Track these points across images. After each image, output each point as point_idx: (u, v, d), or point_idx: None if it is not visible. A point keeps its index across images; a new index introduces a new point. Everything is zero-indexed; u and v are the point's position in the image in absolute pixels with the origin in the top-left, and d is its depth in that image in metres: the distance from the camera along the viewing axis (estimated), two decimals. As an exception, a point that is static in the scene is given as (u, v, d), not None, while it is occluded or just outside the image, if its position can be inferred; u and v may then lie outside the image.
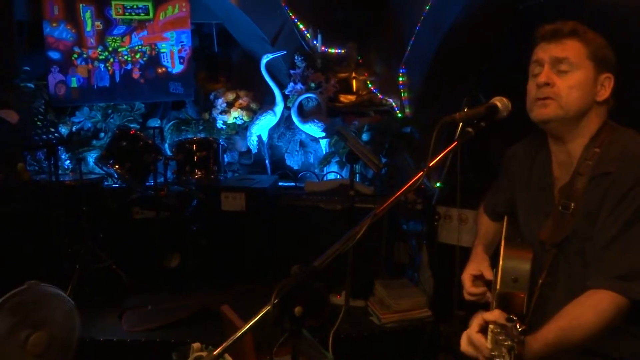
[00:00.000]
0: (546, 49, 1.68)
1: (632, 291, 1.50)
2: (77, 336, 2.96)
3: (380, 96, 5.09)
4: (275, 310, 1.18)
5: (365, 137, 4.83)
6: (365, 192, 4.13)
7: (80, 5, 4.79)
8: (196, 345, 2.17)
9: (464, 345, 1.46)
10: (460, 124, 1.53)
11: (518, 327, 1.22)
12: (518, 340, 1.21)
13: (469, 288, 1.86)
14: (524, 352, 1.24)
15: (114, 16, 4.90)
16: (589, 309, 1.49)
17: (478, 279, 1.87)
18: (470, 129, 1.53)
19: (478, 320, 1.42)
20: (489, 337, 1.31)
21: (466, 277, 1.89)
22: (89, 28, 4.85)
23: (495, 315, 1.37)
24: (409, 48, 4.77)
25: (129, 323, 3.42)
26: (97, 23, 4.87)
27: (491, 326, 1.31)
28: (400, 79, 4.94)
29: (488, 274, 1.85)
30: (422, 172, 1.42)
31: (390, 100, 5.03)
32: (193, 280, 3.98)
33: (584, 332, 1.47)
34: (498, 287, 1.66)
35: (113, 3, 4.86)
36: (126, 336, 3.30)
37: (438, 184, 4.05)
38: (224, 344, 1.21)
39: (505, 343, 1.24)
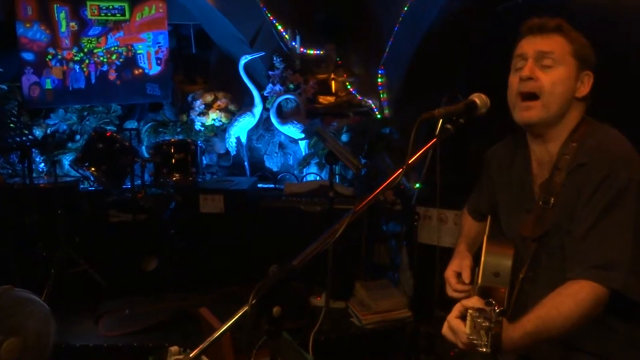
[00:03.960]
0: (531, 42, 1.69)
1: (609, 280, 1.50)
2: (53, 342, 2.89)
3: (359, 97, 5.08)
4: (252, 310, 1.16)
5: (344, 138, 4.83)
6: (345, 193, 4.13)
7: (55, 5, 4.71)
8: (174, 348, 2.13)
9: (444, 329, 1.46)
10: (440, 120, 1.52)
11: (496, 309, 1.22)
12: (495, 321, 1.21)
13: (455, 285, 1.86)
14: (501, 331, 1.23)
15: (89, 17, 4.82)
16: (568, 298, 1.49)
17: (461, 276, 1.87)
18: (449, 126, 1.53)
19: (458, 307, 1.42)
20: (468, 321, 1.31)
21: (450, 274, 1.89)
22: (63, 29, 4.77)
23: (474, 300, 1.37)
24: (387, 49, 4.78)
25: (106, 328, 3.37)
26: (72, 24, 4.79)
27: (470, 311, 1.30)
28: (379, 80, 4.95)
29: (466, 276, 1.85)
30: (401, 169, 1.41)
31: (369, 101, 5.04)
32: (171, 283, 3.92)
33: (563, 321, 1.46)
34: (479, 281, 1.66)
35: (88, 3, 4.79)
36: (103, 341, 3.25)
37: (417, 185, 4.05)
38: (200, 346, 1.18)
39: (484, 324, 1.23)
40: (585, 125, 1.70)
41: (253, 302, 1.16)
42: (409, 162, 1.44)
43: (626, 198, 1.54)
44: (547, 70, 1.65)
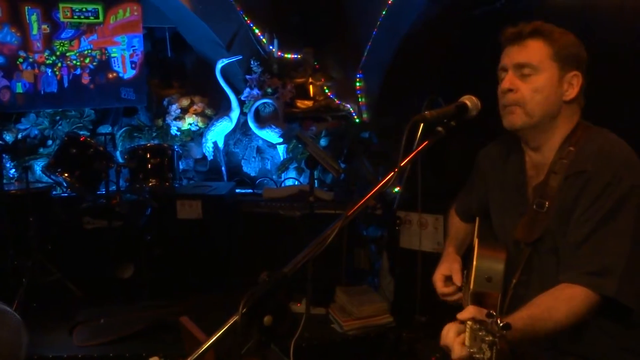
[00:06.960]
0: (509, 54, 1.67)
1: (603, 287, 1.50)
2: (25, 353, 2.81)
3: (337, 101, 5.07)
4: (243, 320, 1.11)
5: (323, 142, 4.80)
6: (325, 198, 4.09)
7: (26, 7, 4.60)
8: (154, 359, 2.07)
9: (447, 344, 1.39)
10: (421, 124, 1.49)
11: (499, 322, 1.17)
12: (500, 336, 1.16)
13: (441, 289, 1.84)
14: (507, 347, 1.19)
15: (62, 19, 4.72)
16: (562, 303, 1.49)
17: (449, 279, 1.84)
18: (440, 129, 1.50)
19: (456, 324, 1.36)
20: (467, 333, 1.26)
21: (438, 278, 1.86)
22: (35, 31, 4.66)
23: (470, 311, 1.32)
24: (365, 53, 4.77)
25: (81, 338, 3.27)
26: (44, 26, 4.68)
27: (469, 322, 1.26)
28: (357, 84, 4.94)
29: (457, 279, 1.82)
30: (393, 172, 1.38)
31: (348, 105, 5.02)
32: (148, 291, 3.84)
33: (553, 324, 1.46)
34: (472, 286, 1.63)
35: (61, 6, 4.68)
36: (77, 351, 3.14)
37: (396, 190, 4.03)
38: (189, 358, 1.13)
39: (486, 339, 1.18)
40: (583, 128, 1.67)
41: (243, 311, 1.11)
42: (401, 164, 1.41)
43: (627, 205, 1.53)
44: (527, 79, 1.63)
